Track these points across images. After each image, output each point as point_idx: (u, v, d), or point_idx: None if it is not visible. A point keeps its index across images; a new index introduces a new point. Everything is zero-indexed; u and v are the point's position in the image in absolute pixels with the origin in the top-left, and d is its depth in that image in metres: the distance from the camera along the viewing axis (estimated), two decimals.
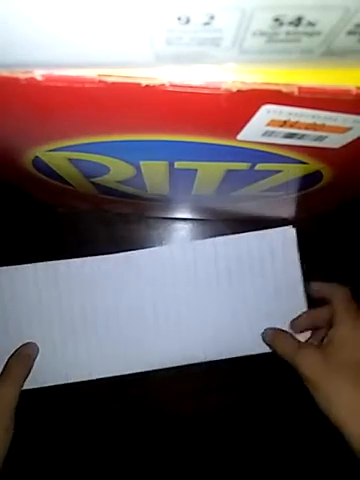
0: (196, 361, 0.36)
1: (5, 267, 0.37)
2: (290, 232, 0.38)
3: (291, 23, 0.11)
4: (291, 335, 0.34)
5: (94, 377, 0.36)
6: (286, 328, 0.36)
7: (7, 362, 0.34)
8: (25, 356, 0.35)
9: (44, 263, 0.37)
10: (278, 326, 0.36)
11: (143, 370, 0.36)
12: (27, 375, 0.34)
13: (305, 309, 0.37)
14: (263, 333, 0.36)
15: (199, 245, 0.38)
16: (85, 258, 0.37)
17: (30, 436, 0.39)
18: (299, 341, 0.33)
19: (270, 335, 0.35)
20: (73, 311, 0.37)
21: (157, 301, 0.38)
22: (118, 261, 0.37)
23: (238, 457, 0.41)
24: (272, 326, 0.36)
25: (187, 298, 0.38)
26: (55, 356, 0.37)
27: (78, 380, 0.35)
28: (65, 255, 0.42)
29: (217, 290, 0.38)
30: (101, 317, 0.37)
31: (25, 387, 0.33)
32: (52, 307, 0.37)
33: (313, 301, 0.37)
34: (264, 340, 0.36)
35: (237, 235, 0.38)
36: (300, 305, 0.37)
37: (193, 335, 0.37)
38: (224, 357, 0.37)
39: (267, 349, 0.36)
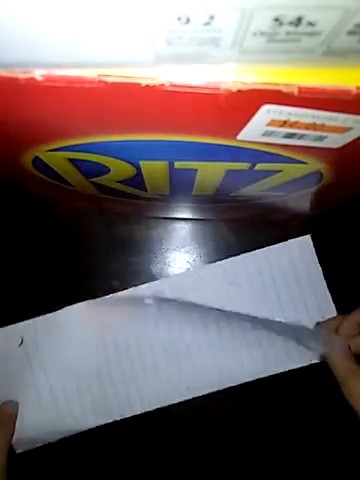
0: (234, 384, 0.36)
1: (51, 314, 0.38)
2: (307, 241, 0.38)
3: (291, 23, 0.11)
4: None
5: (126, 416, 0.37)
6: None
7: None
8: (7, 416, 0.35)
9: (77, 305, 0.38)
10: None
11: (182, 399, 0.36)
12: (12, 434, 0.34)
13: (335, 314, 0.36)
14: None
15: (217, 267, 0.38)
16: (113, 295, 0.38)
17: None
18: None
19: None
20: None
21: (187, 329, 0.37)
22: (143, 292, 0.37)
23: (238, 459, 0.41)
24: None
25: (217, 321, 0.37)
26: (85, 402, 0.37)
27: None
28: (64, 255, 0.42)
29: (245, 309, 0.37)
30: (132, 354, 0.37)
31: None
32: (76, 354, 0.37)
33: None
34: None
35: (253, 252, 0.38)
36: (330, 311, 0.37)
37: (230, 358, 0.37)
38: (262, 376, 0.36)
39: (306, 363, 0.36)
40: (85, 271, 0.42)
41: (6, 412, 0.35)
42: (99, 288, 0.39)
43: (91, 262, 0.42)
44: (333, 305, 0.37)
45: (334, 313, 0.36)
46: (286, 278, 0.38)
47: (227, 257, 0.40)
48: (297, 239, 0.38)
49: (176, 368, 0.37)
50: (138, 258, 0.41)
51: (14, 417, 0.35)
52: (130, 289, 0.38)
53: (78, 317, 0.38)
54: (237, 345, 0.37)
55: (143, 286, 0.38)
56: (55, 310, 0.39)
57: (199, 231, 0.43)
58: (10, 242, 0.42)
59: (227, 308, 0.37)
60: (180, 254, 0.42)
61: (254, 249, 0.41)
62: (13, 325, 0.38)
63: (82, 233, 0.42)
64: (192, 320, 0.37)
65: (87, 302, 0.38)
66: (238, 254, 0.41)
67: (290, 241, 0.38)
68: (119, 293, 0.38)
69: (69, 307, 0.38)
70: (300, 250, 0.38)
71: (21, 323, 0.38)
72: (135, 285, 0.41)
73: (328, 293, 0.37)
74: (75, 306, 0.38)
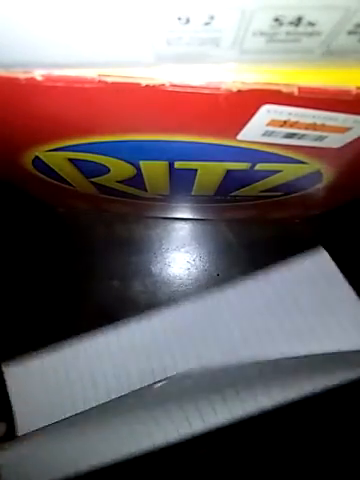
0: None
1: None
2: (322, 254, 0.36)
3: (291, 23, 0.11)
4: None
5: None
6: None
7: None
8: None
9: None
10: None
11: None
12: None
13: None
14: None
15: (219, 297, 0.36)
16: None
17: None
18: None
19: None
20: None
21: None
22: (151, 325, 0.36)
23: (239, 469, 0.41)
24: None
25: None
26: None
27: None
28: (64, 255, 0.42)
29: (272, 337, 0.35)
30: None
31: None
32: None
33: None
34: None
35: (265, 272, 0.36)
36: None
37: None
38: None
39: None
40: (85, 271, 0.42)
41: None
42: (99, 288, 0.39)
43: (91, 262, 0.42)
44: None
45: None
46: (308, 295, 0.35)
47: (227, 257, 0.40)
48: (310, 253, 0.35)
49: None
50: (138, 258, 0.41)
51: None
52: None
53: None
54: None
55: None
56: (55, 309, 0.39)
57: (199, 231, 0.43)
58: (10, 242, 0.42)
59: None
60: (180, 254, 0.42)
61: (254, 249, 0.41)
62: None
63: (82, 233, 0.42)
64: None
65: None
66: (238, 254, 0.41)
67: (304, 257, 0.35)
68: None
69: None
70: (316, 264, 0.36)
71: None
72: (135, 285, 0.41)
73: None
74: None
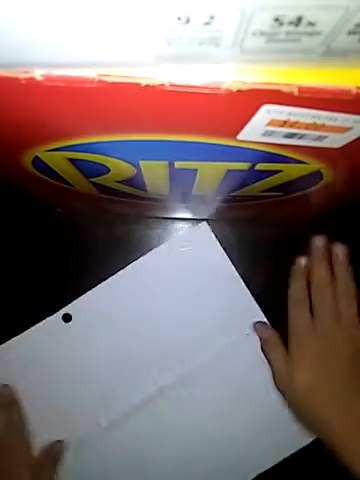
0: None
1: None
2: (203, 228, 0.39)
3: (291, 23, 0.11)
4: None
5: None
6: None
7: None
8: (57, 454, 0.36)
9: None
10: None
11: None
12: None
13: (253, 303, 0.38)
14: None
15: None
16: None
17: None
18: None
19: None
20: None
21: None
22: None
23: None
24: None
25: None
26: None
27: None
28: (64, 255, 0.42)
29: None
30: None
31: None
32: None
33: None
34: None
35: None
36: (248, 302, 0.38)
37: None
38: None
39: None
40: (85, 271, 0.42)
41: (56, 450, 0.36)
42: None
43: (91, 262, 0.42)
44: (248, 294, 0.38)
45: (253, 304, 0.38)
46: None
47: (227, 256, 0.40)
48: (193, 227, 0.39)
49: None
50: (138, 258, 0.41)
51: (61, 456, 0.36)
52: None
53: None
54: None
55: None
56: (55, 309, 0.39)
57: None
58: (10, 242, 0.42)
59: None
60: None
61: (254, 249, 0.41)
62: None
63: (82, 233, 0.42)
64: None
65: None
66: (238, 254, 0.41)
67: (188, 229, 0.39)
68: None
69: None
70: (199, 237, 0.39)
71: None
72: None
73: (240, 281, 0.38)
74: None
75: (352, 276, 0.35)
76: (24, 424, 0.35)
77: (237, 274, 0.39)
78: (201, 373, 0.37)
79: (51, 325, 0.38)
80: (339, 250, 0.35)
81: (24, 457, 0.34)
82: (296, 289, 0.35)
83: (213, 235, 0.39)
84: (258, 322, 0.37)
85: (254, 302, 0.39)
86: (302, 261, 0.36)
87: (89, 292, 0.38)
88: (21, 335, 0.38)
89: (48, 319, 0.38)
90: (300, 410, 0.32)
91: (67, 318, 0.38)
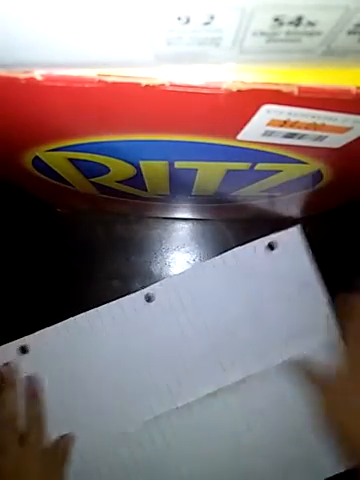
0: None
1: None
2: (295, 232, 0.37)
3: (291, 23, 0.11)
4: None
5: None
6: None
7: None
8: (66, 448, 0.36)
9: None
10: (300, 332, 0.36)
11: None
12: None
13: (328, 308, 0.36)
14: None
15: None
16: None
17: None
18: None
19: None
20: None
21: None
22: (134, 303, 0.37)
23: None
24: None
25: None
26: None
27: None
28: (64, 255, 0.42)
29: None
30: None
31: None
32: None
33: None
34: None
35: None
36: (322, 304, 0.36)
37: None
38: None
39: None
40: (85, 271, 0.42)
41: (65, 443, 0.36)
42: (99, 288, 0.39)
43: (91, 262, 0.42)
44: (326, 299, 0.36)
45: (327, 307, 0.36)
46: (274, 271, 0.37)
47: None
48: (285, 231, 0.37)
49: None
50: (138, 258, 0.41)
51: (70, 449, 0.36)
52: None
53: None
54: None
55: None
56: (55, 309, 0.39)
57: (199, 231, 0.43)
58: (10, 242, 0.42)
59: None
60: (180, 254, 0.42)
61: None
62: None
63: (82, 233, 0.42)
64: None
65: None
66: None
67: (279, 233, 0.37)
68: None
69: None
70: (289, 241, 0.37)
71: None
72: (135, 285, 0.41)
73: (321, 289, 0.36)
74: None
75: None
76: (43, 416, 0.35)
77: (320, 287, 0.37)
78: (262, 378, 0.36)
79: (133, 302, 0.37)
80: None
81: (38, 449, 0.34)
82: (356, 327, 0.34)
83: (304, 241, 0.37)
84: None
85: (332, 319, 0.36)
86: (350, 298, 0.35)
87: (179, 274, 0.37)
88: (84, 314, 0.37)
89: (132, 296, 0.37)
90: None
91: (148, 299, 0.37)
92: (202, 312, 0.37)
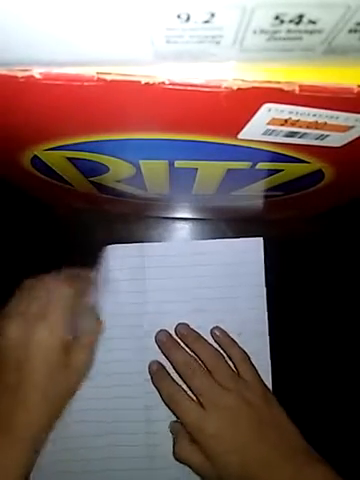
0: None
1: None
2: (257, 243, 0.40)
3: (292, 21, 0.11)
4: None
5: None
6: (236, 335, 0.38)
7: None
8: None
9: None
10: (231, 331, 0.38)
11: None
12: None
13: (265, 317, 0.39)
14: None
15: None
16: None
17: None
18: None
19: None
20: None
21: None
22: None
23: None
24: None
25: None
26: None
27: None
28: (64, 255, 0.42)
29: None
30: None
31: None
32: None
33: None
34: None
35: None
36: (260, 313, 0.39)
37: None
38: None
39: None
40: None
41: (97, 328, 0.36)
42: None
43: (91, 262, 0.42)
44: (264, 311, 0.39)
45: (264, 317, 0.39)
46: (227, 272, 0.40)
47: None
48: (249, 239, 0.40)
49: None
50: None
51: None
52: None
53: None
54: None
55: None
56: None
57: (199, 231, 0.43)
58: (10, 242, 0.42)
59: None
60: None
61: None
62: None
63: (82, 233, 0.42)
64: None
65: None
66: None
67: (243, 239, 0.40)
68: None
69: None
70: (249, 250, 0.40)
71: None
72: None
73: (264, 300, 0.39)
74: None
75: (205, 343, 0.36)
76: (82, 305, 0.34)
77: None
78: None
79: None
80: (182, 329, 0.37)
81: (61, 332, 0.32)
82: (165, 389, 0.35)
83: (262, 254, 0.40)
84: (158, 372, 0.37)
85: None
86: (153, 367, 0.37)
87: None
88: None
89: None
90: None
91: None
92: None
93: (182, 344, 0.37)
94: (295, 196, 0.29)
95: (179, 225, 0.43)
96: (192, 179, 0.24)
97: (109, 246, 0.40)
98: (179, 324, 0.38)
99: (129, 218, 0.42)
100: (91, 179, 0.26)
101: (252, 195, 0.29)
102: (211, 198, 0.31)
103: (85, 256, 0.42)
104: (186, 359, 0.35)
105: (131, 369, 0.38)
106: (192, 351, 0.36)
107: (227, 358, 0.35)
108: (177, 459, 0.33)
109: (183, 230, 0.42)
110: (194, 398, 0.33)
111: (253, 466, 0.30)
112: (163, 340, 0.37)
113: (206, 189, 0.27)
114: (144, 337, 0.39)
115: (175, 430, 0.35)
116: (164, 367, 0.37)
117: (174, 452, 0.33)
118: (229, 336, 0.37)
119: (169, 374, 0.36)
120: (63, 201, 0.39)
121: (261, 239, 0.40)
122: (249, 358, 0.35)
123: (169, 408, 0.34)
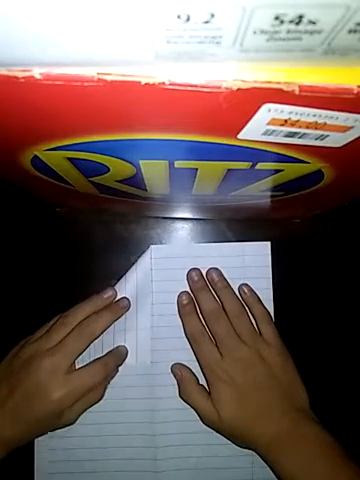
0: None
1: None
2: (265, 247, 0.39)
3: (292, 21, 0.11)
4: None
5: None
6: None
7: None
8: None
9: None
10: None
11: None
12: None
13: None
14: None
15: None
16: None
17: None
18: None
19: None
20: None
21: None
22: None
23: None
24: None
25: None
26: None
27: None
28: (64, 255, 0.42)
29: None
30: None
31: None
32: None
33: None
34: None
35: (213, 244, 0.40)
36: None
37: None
38: None
39: None
40: (85, 271, 0.42)
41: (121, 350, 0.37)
42: (99, 288, 0.39)
43: (91, 262, 0.42)
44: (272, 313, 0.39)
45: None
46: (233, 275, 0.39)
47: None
48: (256, 243, 0.40)
49: None
50: (138, 258, 0.41)
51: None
52: None
53: None
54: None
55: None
56: (55, 309, 0.39)
57: (199, 231, 0.43)
58: (10, 242, 0.42)
59: None
60: None
61: None
62: None
63: (82, 233, 0.42)
64: None
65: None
66: None
67: (250, 243, 0.40)
68: None
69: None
70: (257, 254, 0.40)
71: None
72: None
73: (271, 302, 0.39)
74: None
75: (233, 293, 0.36)
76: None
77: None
78: None
79: None
80: (214, 274, 0.37)
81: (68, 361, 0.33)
82: (190, 325, 0.36)
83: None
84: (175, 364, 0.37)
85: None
86: (183, 298, 0.37)
87: None
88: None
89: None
90: (235, 439, 0.33)
91: None
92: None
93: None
94: (295, 196, 0.29)
95: (179, 225, 0.43)
96: (192, 179, 0.25)
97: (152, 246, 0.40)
98: (211, 268, 0.38)
99: (129, 218, 0.42)
100: (91, 179, 0.26)
101: (252, 195, 0.29)
102: (211, 198, 0.31)
103: (85, 256, 0.42)
104: (213, 304, 0.35)
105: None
106: (218, 297, 0.36)
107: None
108: (182, 398, 0.35)
109: (183, 230, 0.42)
110: (214, 341, 0.34)
111: (251, 413, 0.32)
112: (195, 279, 0.37)
113: (206, 189, 0.27)
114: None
115: (178, 372, 0.36)
116: (193, 302, 0.37)
117: (180, 392, 0.35)
118: (256, 295, 0.37)
119: (196, 310, 0.36)
120: (63, 201, 0.39)
121: (269, 243, 0.39)
122: (272, 319, 0.36)
123: (189, 343, 0.36)
